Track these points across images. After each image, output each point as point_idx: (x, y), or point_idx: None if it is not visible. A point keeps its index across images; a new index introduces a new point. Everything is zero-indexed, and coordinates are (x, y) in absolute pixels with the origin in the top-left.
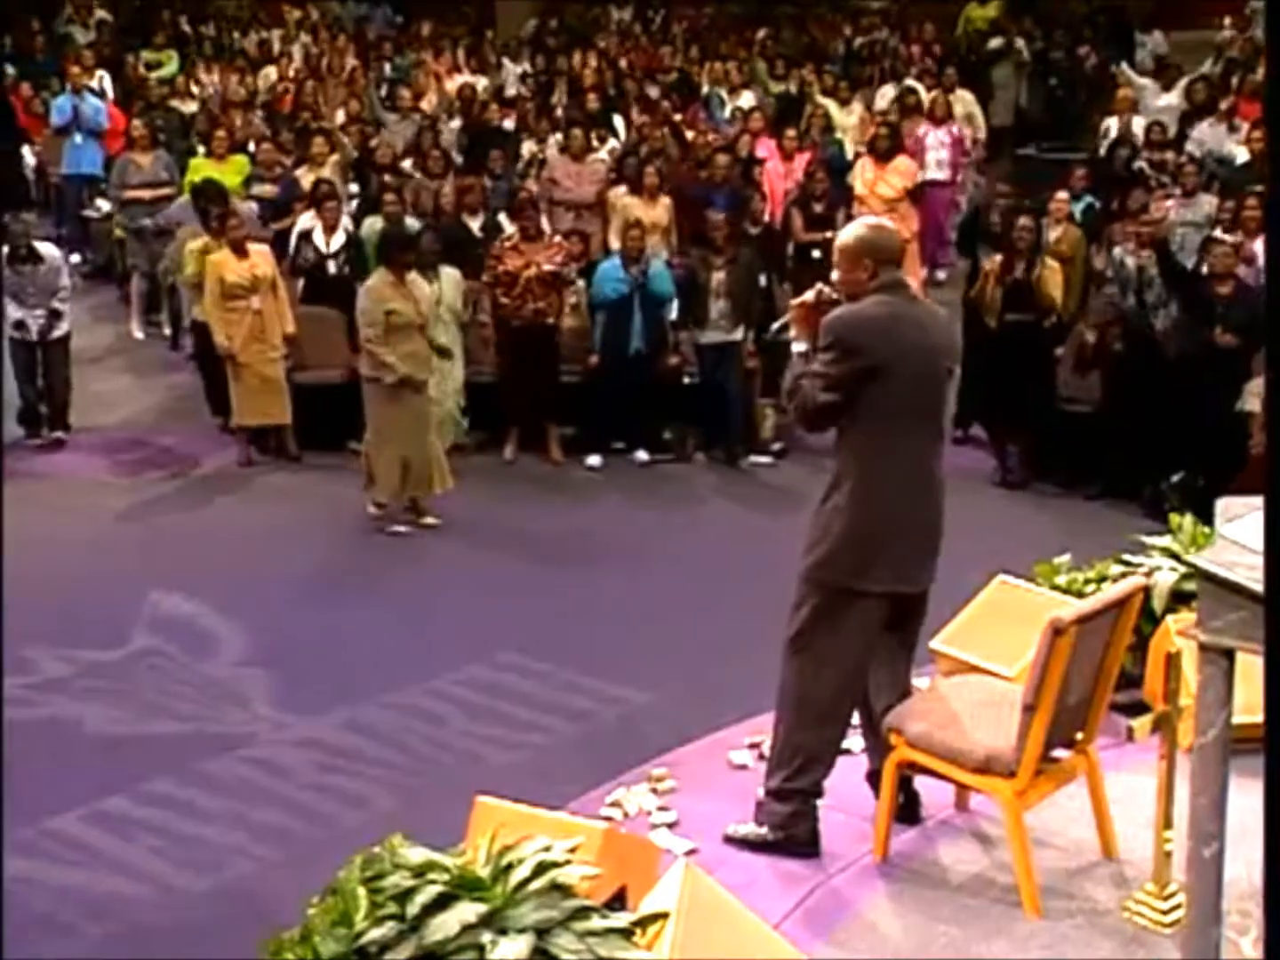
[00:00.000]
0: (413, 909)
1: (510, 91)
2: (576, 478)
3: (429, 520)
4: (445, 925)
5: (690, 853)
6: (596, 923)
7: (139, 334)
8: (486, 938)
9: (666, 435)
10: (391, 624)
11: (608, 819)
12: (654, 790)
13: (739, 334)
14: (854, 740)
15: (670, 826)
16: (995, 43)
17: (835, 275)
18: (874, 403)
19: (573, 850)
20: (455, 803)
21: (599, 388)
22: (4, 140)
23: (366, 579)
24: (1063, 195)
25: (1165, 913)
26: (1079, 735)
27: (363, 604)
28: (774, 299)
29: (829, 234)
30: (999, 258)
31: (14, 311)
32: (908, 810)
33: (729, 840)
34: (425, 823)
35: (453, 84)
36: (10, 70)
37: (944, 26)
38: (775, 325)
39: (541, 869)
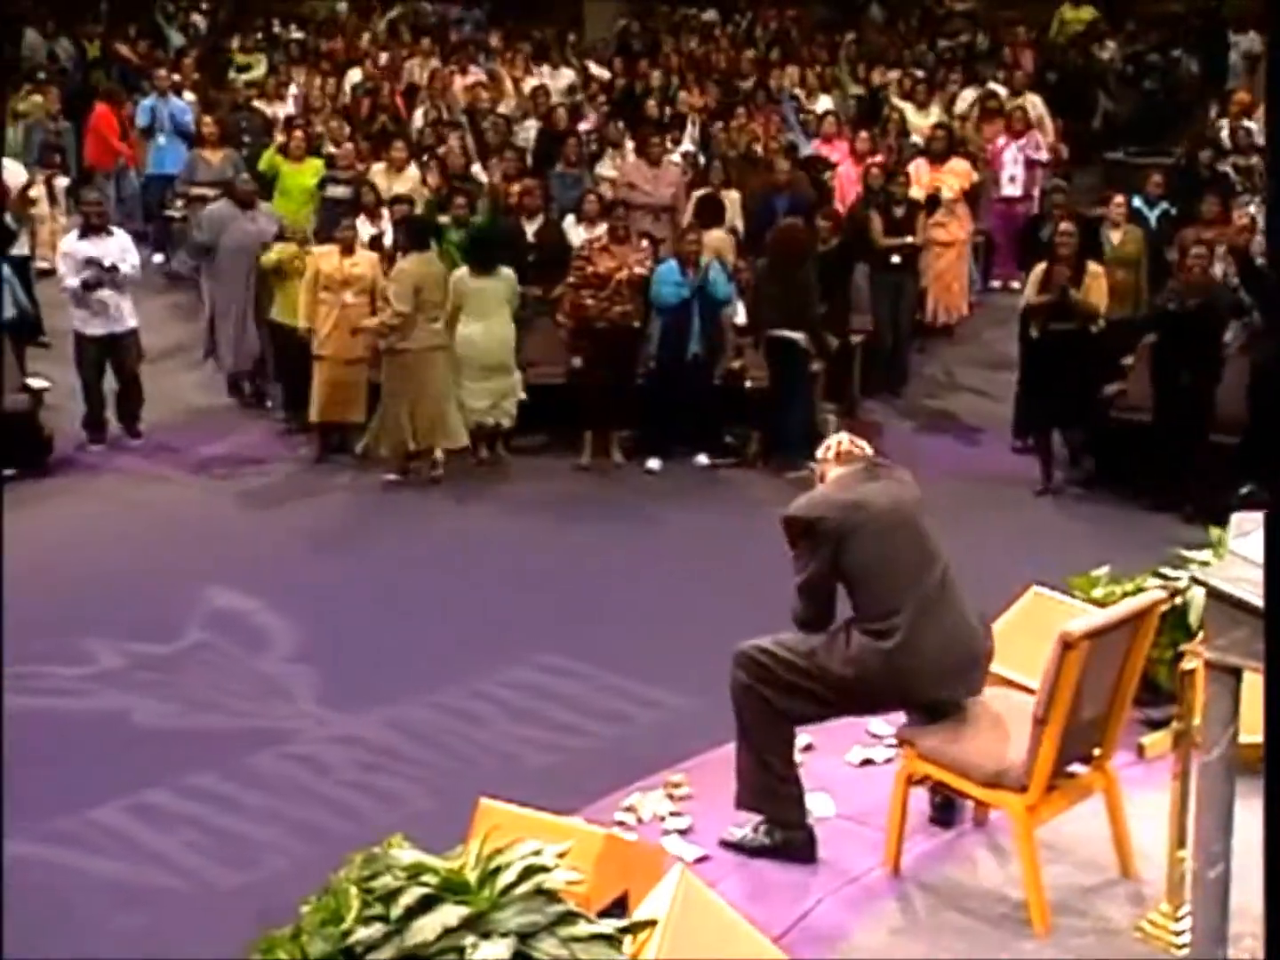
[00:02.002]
0: (397, 910)
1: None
2: (635, 480)
3: (436, 473)
4: (426, 928)
5: (701, 860)
6: (581, 928)
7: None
8: (469, 940)
9: (728, 439)
10: (439, 624)
11: (621, 824)
12: (670, 796)
13: (800, 338)
14: (875, 751)
15: (683, 833)
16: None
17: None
18: (849, 562)
19: (562, 855)
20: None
21: (658, 391)
22: None
23: (420, 579)
24: (1119, 198)
25: (1177, 934)
26: (1096, 750)
27: (413, 603)
28: (850, 302)
29: (908, 239)
30: (1042, 265)
31: (83, 297)
32: (944, 815)
33: (725, 845)
34: (457, 823)
35: (529, 86)
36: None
37: (1035, 29)
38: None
39: (528, 873)
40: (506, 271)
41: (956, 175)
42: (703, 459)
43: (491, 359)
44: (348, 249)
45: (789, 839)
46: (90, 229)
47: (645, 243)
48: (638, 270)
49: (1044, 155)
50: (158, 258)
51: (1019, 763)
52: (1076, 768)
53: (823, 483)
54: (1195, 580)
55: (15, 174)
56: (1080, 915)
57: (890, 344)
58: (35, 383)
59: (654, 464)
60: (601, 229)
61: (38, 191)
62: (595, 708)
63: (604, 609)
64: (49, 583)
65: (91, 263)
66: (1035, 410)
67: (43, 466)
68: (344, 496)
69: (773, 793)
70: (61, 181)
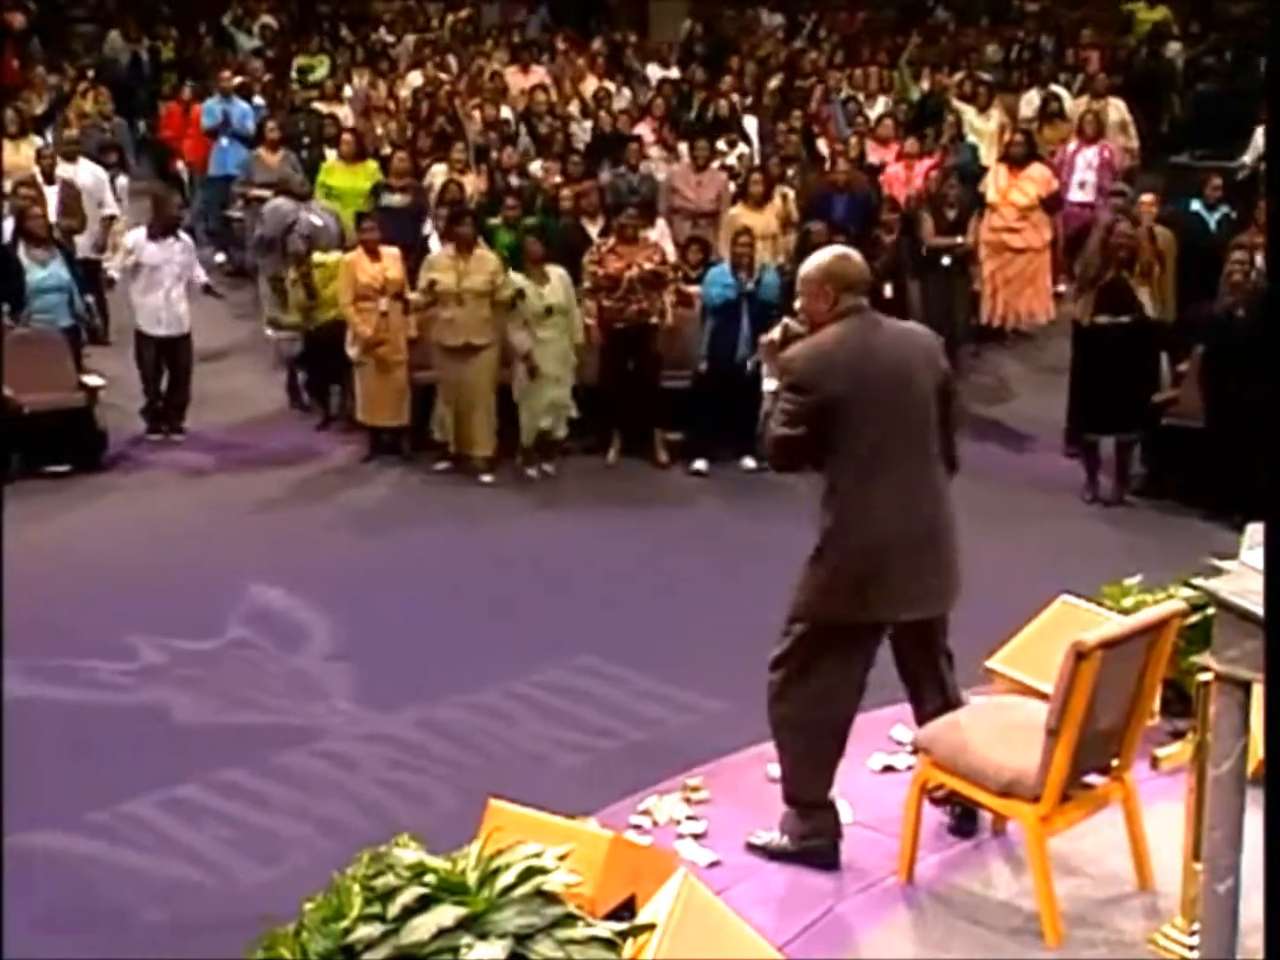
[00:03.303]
0: (394, 909)
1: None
2: (681, 483)
3: (485, 478)
4: (421, 927)
5: (713, 864)
6: (579, 930)
7: (270, 332)
8: (464, 941)
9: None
10: (478, 623)
11: (637, 827)
12: (687, 800)
13: None
14: (897, 758)
15: (698, 837)
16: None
17: (799, 305)
18: (842, 437)
19: (563, 857)
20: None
21: (706, 393)
22: None
23: (460, 578)
24: (1148, 197)
25: (1191, 948)
26: (1114, 761)
27: (453, 603)
28: (906, 305)
29: (959, 240)
30: (1098, 257)
31: (145, 298)
32: (964, 825)
33: (750, 848)
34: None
35: (588, 89)
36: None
37: (1107, 30)
38: (750, 361)
39: (528, 875)
40: (559, 270)
41: (1035, 182)
42: (749, 462)
43: (546, 365)
44: (373, 253)
45: (813, 845)
46: (160, 231)
47: (655, 240)
48: (647, 267)
49: (1126, 161)
50: (219, 257)
51: (1032, 773)
52: (1094, 778)
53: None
54: (1205, 592)
55: (92, 173)
56: (1094, 928)
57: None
58: (91, 380)
59: (700, 466)
60: (596, 229)
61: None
62: (628, 710)
63: (643, 611)
64: (97, 578)
65: (151, 267)
66: (1083, 417)
67: (98, 462)
68: (389, 496)
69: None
70: (122, 180)
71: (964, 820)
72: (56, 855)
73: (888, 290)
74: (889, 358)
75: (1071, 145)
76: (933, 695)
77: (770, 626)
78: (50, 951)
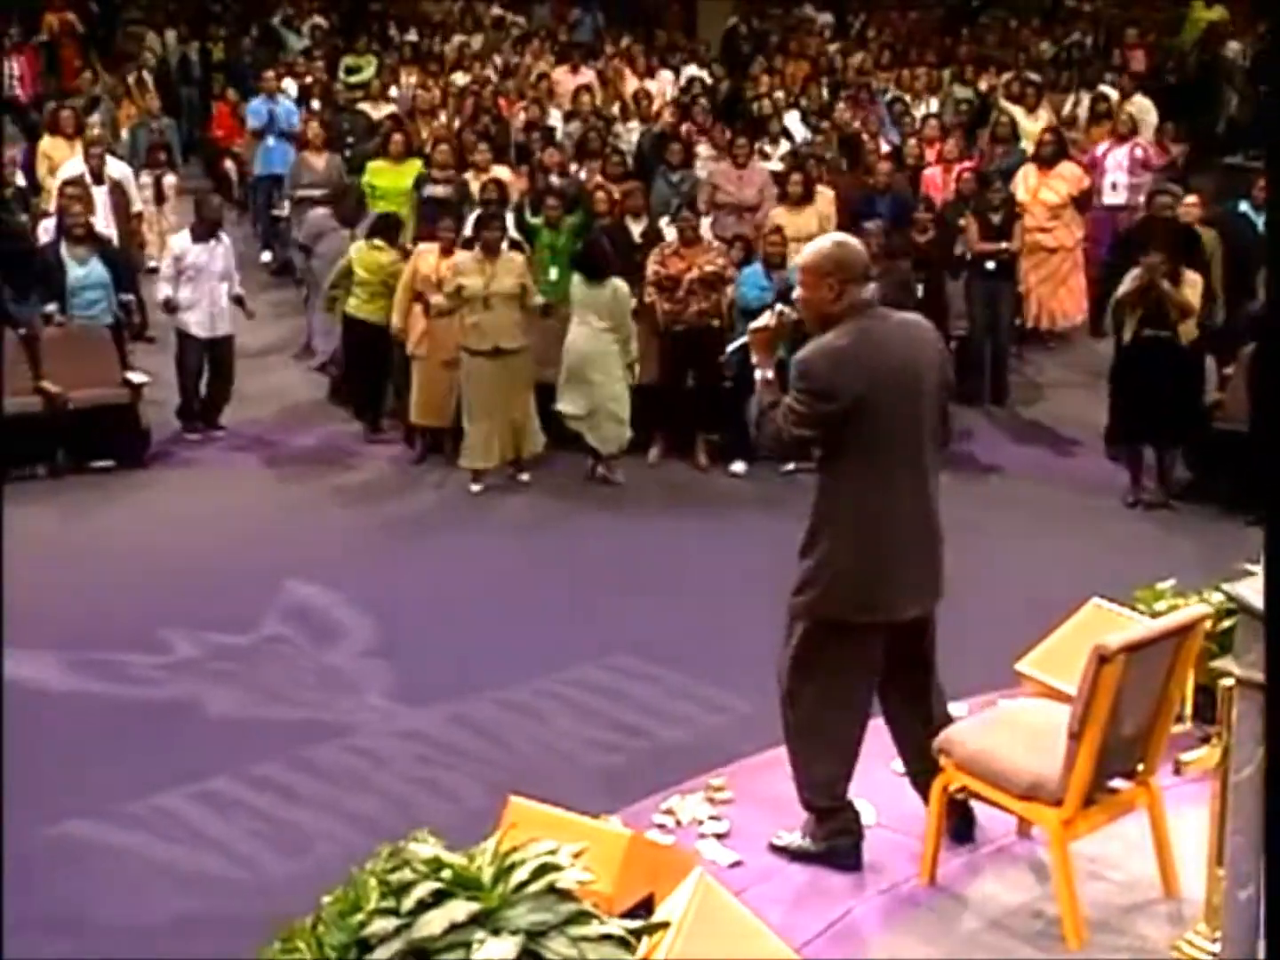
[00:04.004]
0: (408, 903)
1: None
2: (719, 484)
3: (523, 477)
4: (434, 922)
5: (735, 864)
6: (593, 928)
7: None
8: (476, 936)
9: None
10: (513, 621)
11: (660, 826)
12: (710, 799)
13: None
14: None
15: (720, 837)
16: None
17: (797, 293)
18: (854, 438)
19: (578, 854)
20: (543, 803)
21: (743, 394)
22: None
23: (498, 577)
24: (1192, 199)
25: (1215, 955)
26: (1139, 766)
27: (489, 601)
28: (945, 307)
29: (1004, 245)
30: (1135, 271)
31: (185, 293)
32: (962, 830)
33: (773, 849)
34: None
35: (630, 88)
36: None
37: (1156, 29)
38: (729, 349)
39: (541, 871)
40: (617, 281)
41: (1065, 180)
42: (788, 464)
43: (593, 369)
44: (447, 250)
45: (834, 846)
46: (203, 233)
47: (717, 243)
48: (708, 269)
49: (1157, 161)
50: (265, 255)
51: (1055, 776)
52: (1119, 783)
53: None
54: (1229, 596)
55: (119, 170)
56: (1118, 934)
57: (989, 352)
58: (134, 377)
59: (739, 468)
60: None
61: (146, 192)
62: (661, 710)
63: (679, 611)
64: (137, 572)
65: (195, 268)
66: (1125, 420)
67: (141, 459)
68: (429, 494)
69: (830, 797)
70: (169, 179)
71: (962, 826)
72: (91, 845)
73: (920, 290)
74: (900, 356)
75: (1102, 146)
76: (913, 721)
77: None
78: (80, 939)
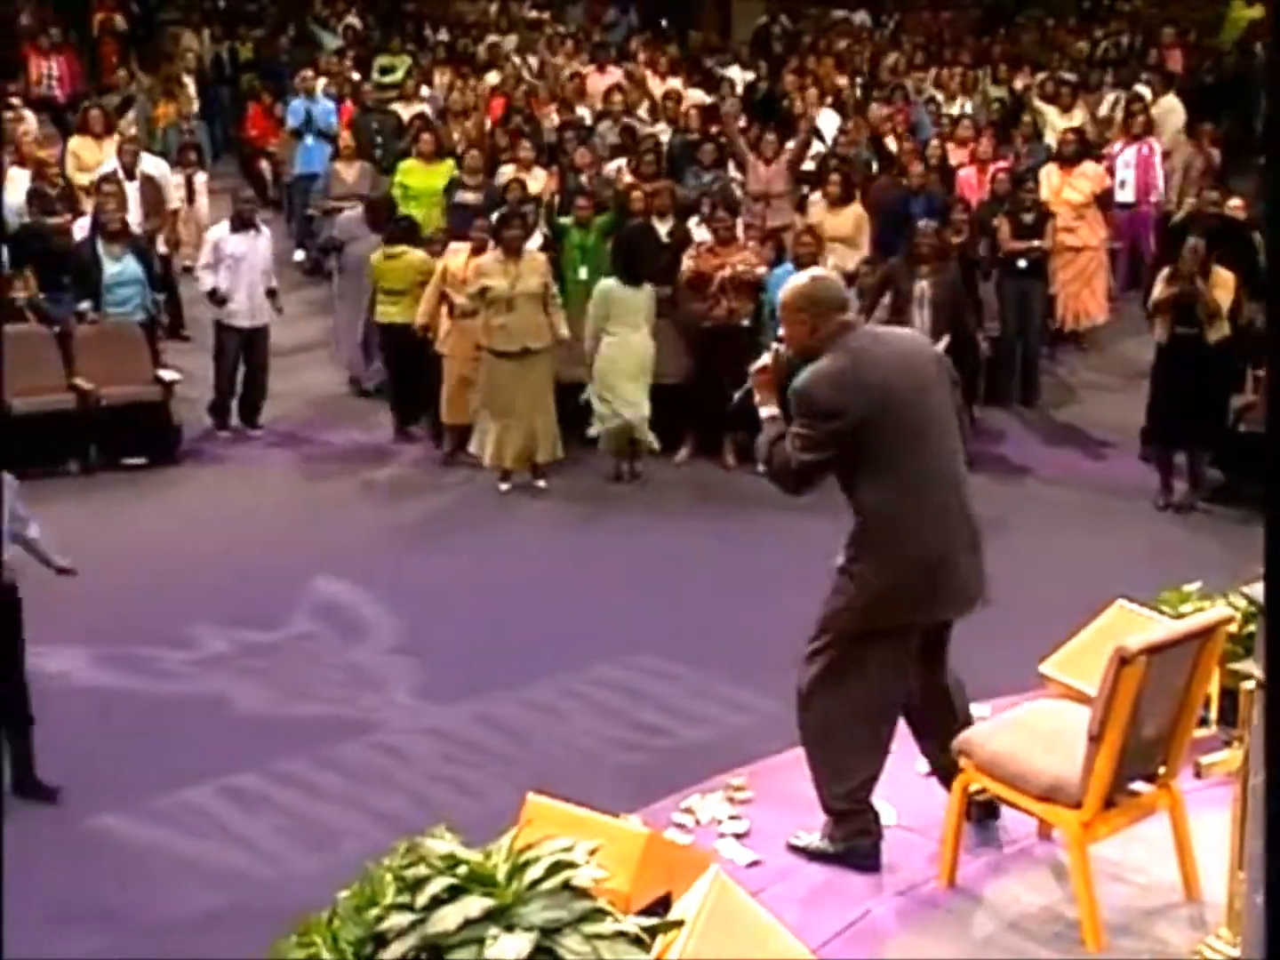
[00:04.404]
0: (423, 899)
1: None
2: (746, 484)
3: (540, 484)
4: (448, 917)
5: (753, 864)
6: (606, 926)
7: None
8: (490, 932)
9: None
10: (540, 621)
11: (679, 825)
12: (730, 799)
13: (941, 346)
14: None
15: (739, 836)
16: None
17: (781, 332)
18: (870, 454)
19: (593, 852)
20: (564, 801)
21: None
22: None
23: (524, 577)
24: (1236, 201)
25: None
26: (1161, 769)
27: (516, 600)
28: (980, 307)
29: (1036, 243)
30: (1166, 271)
31: (224, 282)
32: (987, 825)
33: (792, 849)
34: None
35: (660, 90)
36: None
37: (1204, 30)
38: (738, 393)
39: (556, 869)
40: (647, 285)
41: (1088, 179)
42: (799, 497)
43: (632, 371)
44: (477, 250)
45: (854, 847)
46: (240, 224)
47: (752, 244)
48: (740, 268)
49: (1195, 162)
50: (298, 254)
51: (1074, 779)
52: (1140, 786)
53: (812, 348)
54: (1246, 597)
55: (156, 167)
56: (1138, 937)
57: (1020, 353)
58: (166, 374)
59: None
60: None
61: (180, 191)
62: (683, 709)
63: (703, 611)
64: (168, 569)
65: (234, 258)
66: (1157, 423)
67: (172, 456)
68: (457, 493)
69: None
70: (200, 178)
71: (986, 820)
72: (119, 839)
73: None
74: (903, 367)
75: (1117, 145)
76: (945, 713)
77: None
78: (106, 930)
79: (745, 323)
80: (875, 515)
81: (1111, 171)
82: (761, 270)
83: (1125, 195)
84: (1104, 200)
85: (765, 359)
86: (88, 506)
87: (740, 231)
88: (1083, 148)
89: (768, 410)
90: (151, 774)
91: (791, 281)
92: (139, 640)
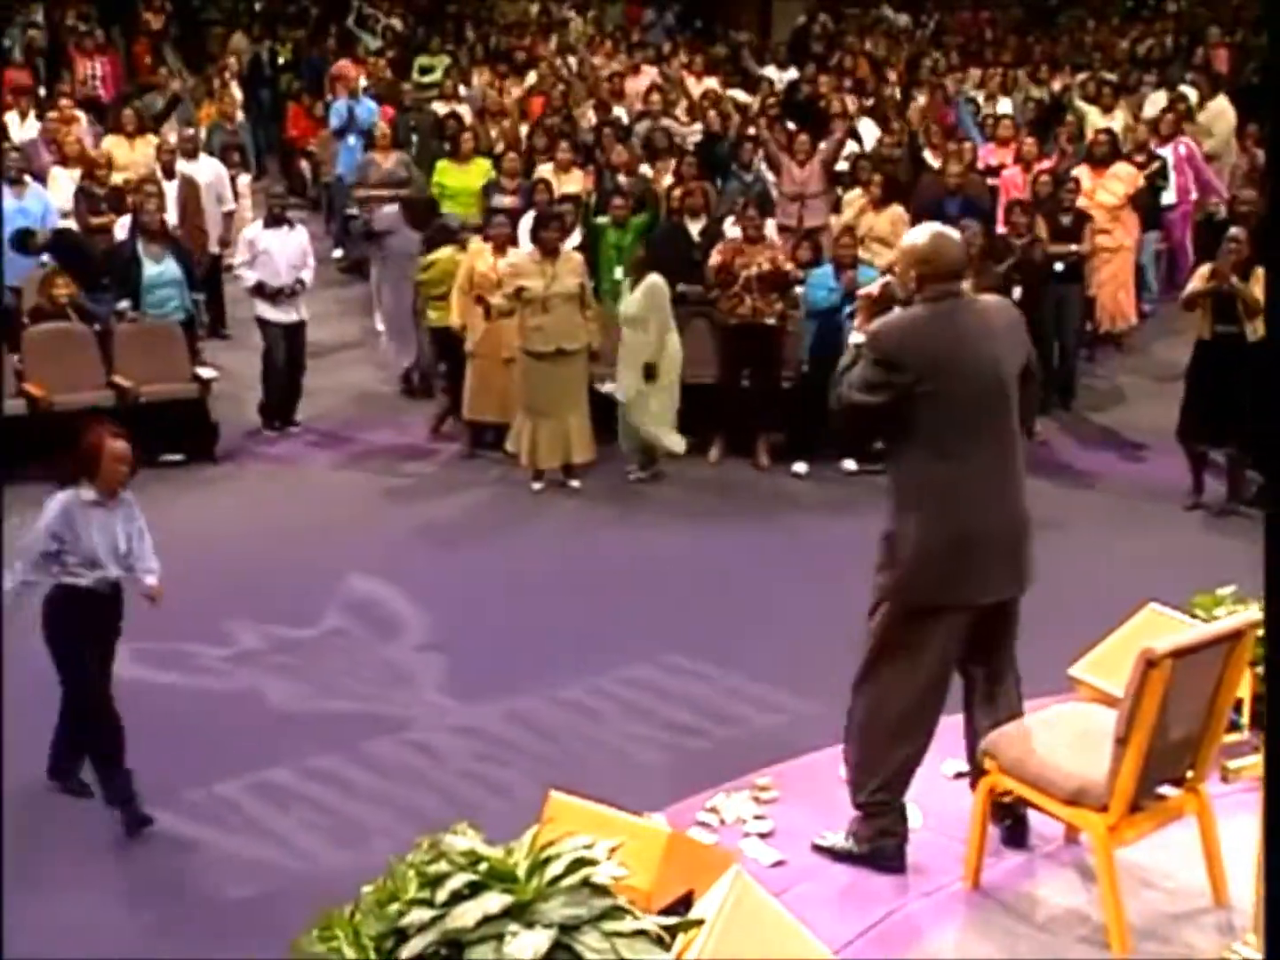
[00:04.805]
0: (443, 895)
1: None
2: (781, 484)
3: (573, 483)
4: (468, 913)
5: (777, 864)
6: (626, 924)
7: (381, 328)
8: (509, 929)
9: (878, 445)
10: (571, 620)
11: (703, 825)
12: (755, 798)
13: None
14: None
15: (764, 836)
16: None
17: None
18: (927, 420)
19: (614, 850)
20: (593, 800)
21: (808, 395)
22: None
23: (556, 575)
24: None
25: None
26: (1189, 773)
27: (546, 598)
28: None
29: (1074, 246)
30: (1207, 268)
31: (262, 277)
32: (1015, 835)
33: (817, 849)
34: None
35: (698, 90)
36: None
37: (1251, 30)
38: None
39: (576, 866)
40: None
41: (1121, 180)
42: (850, 464)
43: (674, 373)
44: (500, 248)
45: (879, 848)
46: (274, 220)
47: (780, 242)
48: (767, 266)
49: (1240, 163)
50: (336, 253)
51: (1100, 782)
52: (1167, 789)
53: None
54: None
55: (213, 169)
56: (1164, 942)
57: (1057, 356)
58: (204, 372)
59: (800, 468)
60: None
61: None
62: (714, 709)
63: (735, 611)
64: (204, 565)
65: (269, 253)
66: (1191, 426)
67: (210, 453)
68: (490, 492)
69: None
70: (243, 179)
71: (1014, 831)
72: (150, 833)
73: (1016, 293)
74: (978, 341)
75: (1151, 145)
76: (987, 707)
77: (860, 627)
78: (138, 922)
79: (770, 321)
80: (919, 485)
81: (1165, 173)
82: (789, 267)
83: (1166, 196)
84: (1137, 200)
85: (873, 287)
86: None
87: (774, 231)
88: (1114, 149)
89: (857, 337)
90: (185, 768)
91: (916, 232)
92: (175, 636)
